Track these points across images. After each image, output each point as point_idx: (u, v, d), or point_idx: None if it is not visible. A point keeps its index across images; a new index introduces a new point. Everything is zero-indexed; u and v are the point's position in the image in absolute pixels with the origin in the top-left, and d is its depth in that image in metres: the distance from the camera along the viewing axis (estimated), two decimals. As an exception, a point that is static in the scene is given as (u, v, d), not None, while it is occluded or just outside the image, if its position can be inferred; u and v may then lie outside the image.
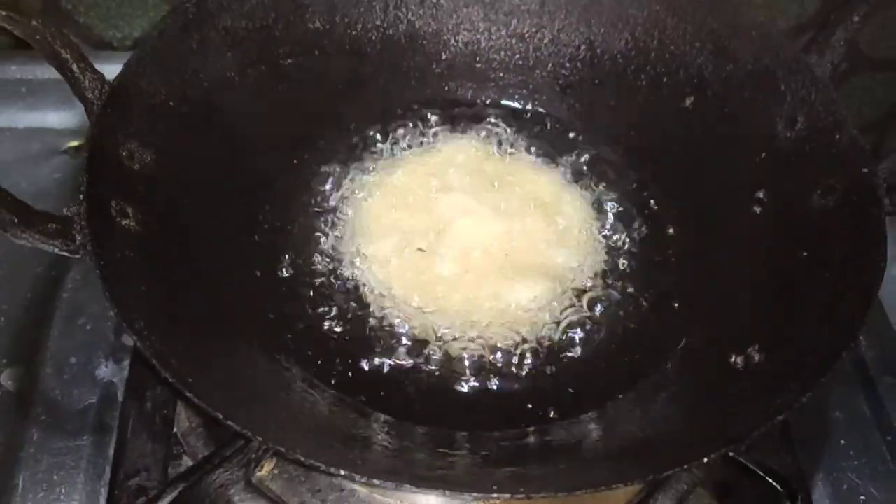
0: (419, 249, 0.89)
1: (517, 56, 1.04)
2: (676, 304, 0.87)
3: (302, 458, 0.60)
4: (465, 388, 0.81)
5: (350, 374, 0.80)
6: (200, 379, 0.64)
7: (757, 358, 0.76)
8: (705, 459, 0.63)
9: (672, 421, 0.74)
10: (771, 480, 0.78)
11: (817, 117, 0.86)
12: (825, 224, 0.81)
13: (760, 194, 0.89)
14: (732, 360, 0.77)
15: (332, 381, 0.79)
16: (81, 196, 0.71)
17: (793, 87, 0.88)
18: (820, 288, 0.76)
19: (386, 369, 0.81)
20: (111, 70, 0.81)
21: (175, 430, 0.86)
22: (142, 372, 0.86)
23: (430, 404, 0.79)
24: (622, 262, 0.92)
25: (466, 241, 0.91)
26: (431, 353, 0.83)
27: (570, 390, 0.81)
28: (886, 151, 0.89)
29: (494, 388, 0.81)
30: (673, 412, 0.76)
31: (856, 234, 0.77)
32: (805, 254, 0.80)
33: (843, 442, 0.88)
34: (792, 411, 0.67)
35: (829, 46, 0.89)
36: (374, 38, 1.02)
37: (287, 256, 0.89)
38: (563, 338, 0.85)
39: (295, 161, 0.96)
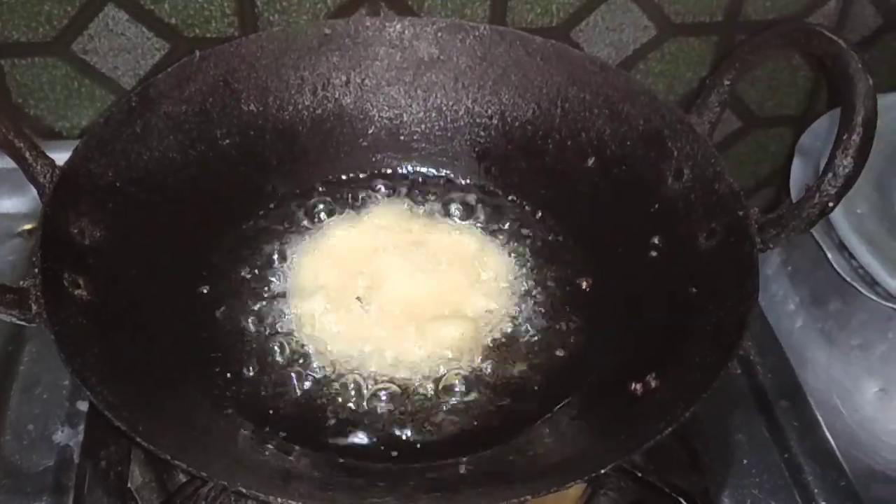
0: (357, 299, 0.98)
1: (436, 128, 1.14)
2: (586, 341, 0.97)
3: (244, 490, 0.67)
4: (395, 429, 0.89)
5: (281, 416, 0.89)
6: (150, 426, 0.71)
7: (653, 384, 0.85)
8: (603, 471, 0.71)
9: (581, 443, 0.83)
10: (680, 499, 0.87)
11: (700, 169, 0.97)
12: (709, 262, 0.92)
13: (656, 240, 0.99)
14: (632, 387, 0.86)
15: (268, 425, 0.87)
16: (36, 269, 0.78)
17: (678, 145, 0.99)
18: (706, 318, 0.87)
19: (319, 412, 0.89)
20: (61, 156, 0.90)
21: (129, 485, 0.92)
22: (96, 433, 0.93)
23: (359, 441, 0.88)
24: (536, 306, 1.01)
25: (394, 296, 1.01)
26: (361, 394, 0.91)
27: (490, 422, 0.90)
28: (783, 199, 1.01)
29: (420, 424, 0.89)
30: (582, 436, 0.85)
31: (734, 269, 0.88)
32: (694, 289, 0.90)
33: (745, 461, 0.97)
34: (682, 426, 0.76)
35: (707, 107, 1.01)
36: (304, 117, 1.12)
37: (228, 316, 0.97)
38: (482, 373, 0.94)
39: (234, 231, 1.05)
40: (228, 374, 0.92)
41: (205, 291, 0.99)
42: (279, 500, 0.67)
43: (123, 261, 0.91)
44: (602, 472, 0.72)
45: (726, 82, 1.00)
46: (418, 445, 0.88)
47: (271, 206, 1.10)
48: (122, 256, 0.91)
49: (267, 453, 0.83)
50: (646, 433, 0.76)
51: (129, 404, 0.74)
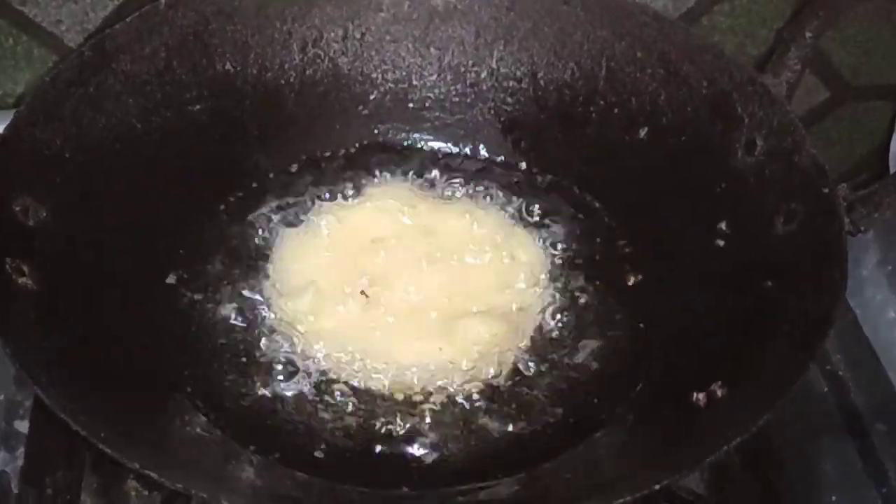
0: (362, 293, 1.05)
1: (453, 93, 1.21)
2: (637, 345, 1.03)
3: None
4: (415, 448, 0.95)
5: (267, 431, 0.95)
6: (114, 432, 0.77)
7: (720, 393, 0.90)
8: (657, 487, 0.77)
9: (631, 460, 0.88)
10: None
11: (776, 139, 1.03)
12: (788, 250, 0.98)
13: (723, 226, 1.05)
14: (695, 397, 0.91)
15: (253, 443, 0.93)
16: (-29, 255, 0.85)
17: (750, 110, 1.06)
18: (783, 316, 0.92)
19: (313, 430, 0.96)
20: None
21: (81, 514, 0.98)
22: (39, 457, 0.99)
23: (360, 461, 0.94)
24: (577, 304, 1.07)
25: (404, 292, 1.07)
26: (367, 408, 0.97)
27: (518, 444, 0.96)
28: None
29: (445, 444, 0.95)
30: (633, 452, 0.90)
31: (817, 257, 0.93)
32: (769, 282, 0.96)
33: (833, 497, 1.01)
34: (756, 454, 0.82)
35: (784, 65, 1.07)
36: (292, 79, 1.18)
37: (201, 314, 1.04)
38: (517, 383, 1.00)
39: (207, 214, 1.12)
40: (203, 381, 0.98)
41: (172, 282, 1.05)
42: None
43: (75, 245, 0.97)
44: (655, 488, 0.76)
45: (808, 35, 1.06)
46: (440, 466, 0.94)
47: (252, 185, 1.16)
48: (74, 240, 0.97)
49: (255, 474, 0.88)
50: (708, 446, 0.81)
51: (87, 408, 0.79)
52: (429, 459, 0.95)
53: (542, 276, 1.09)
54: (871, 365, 1.12)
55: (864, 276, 1.25)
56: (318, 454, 0.94)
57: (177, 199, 1.09)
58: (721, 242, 1.05)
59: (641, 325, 1.05)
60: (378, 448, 0.95)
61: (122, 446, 0.77)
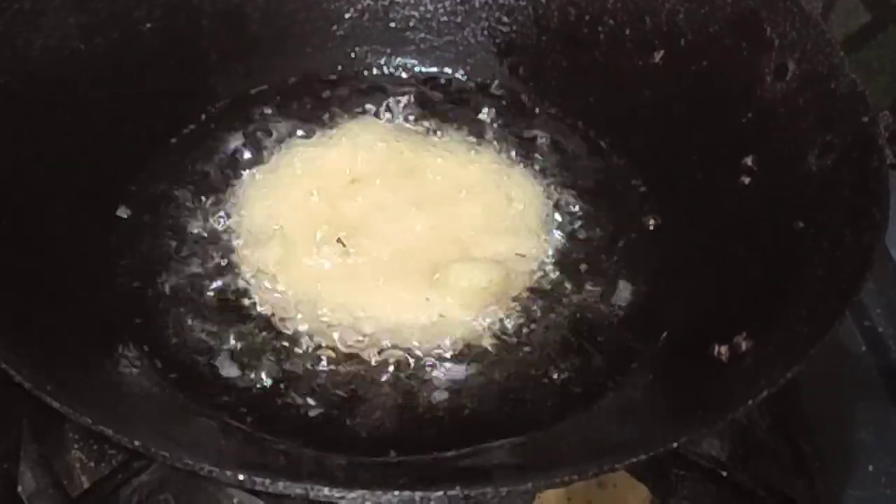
0: (338, 241, 1.06)
1: (441, 11, 1.23)
2: (652, 294, 1.05)
3: (192, 466, 0.75)
4: (400, 412, 0.97)
5: (237, 390, 0.97)
6: (62, 385, 0.79)
7: (744, 346, 0.93)
8: (675, 444, 0.79)
9: (649, 418, 0.91)
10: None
11: (810, 63, 1.04)
12: (823, 188, 0.99)
13: (749, 161, 1.07)
14: (716, 351, 0.94)
15: (226, 410, 0.95)
16: None
17: (780, 30, 1.07)
18: (816, 259, 0.94)
19: (289, 390, 0.98)
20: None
21: (20, 490, 1.00)
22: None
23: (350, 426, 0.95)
24: (584, 249, 1.10)
25: (386, 238, 1.08)
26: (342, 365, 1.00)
27: (524, 404, 0.98)
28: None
29: (454, 400, 0.98)
30: (644, 414, 0.93)
31: (856, 193, 0.95)
32: (801, 224, 0.98)
33: (871, 467, 1.04)
34: (786, 420, 0.84)
35: (821, -21, 1.09)
36: (255, -6, 1.18)
37: (154, 255, 1.06)
38: (518, 338, 1.02)
39: (160, 146, 1.14)
40: (155, 332, 1.00)
41: (125, 226, 1.07)
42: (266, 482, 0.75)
43: (12, 180, 0.98)
44: (671, 446, 0.79)
45: (847, -57, 1.07)
46: (429, 430, 0.96)
47: (210, 116, 1.18)
48: (11, 175, 0.98)
49: (227, 436, 0.91)
50: (730, 402, 0.83)
51: (32, 359, 0.81)
52: (416, 423, 0.96)
53: (543, 220, 1.11)
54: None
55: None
56: (290, 417, 0.96)
57: (125, 128, 1.11)
58: (747, 180, 1.07)
59: (656, 273, 1.07)
60: (356, 413, 0.96)
61: (72, 400, 0.78)
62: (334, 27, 1.21)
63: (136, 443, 0.75)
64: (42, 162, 1.02)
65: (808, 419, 1.07)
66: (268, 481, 0.72)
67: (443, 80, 1.22)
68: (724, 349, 0.94)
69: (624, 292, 1.07)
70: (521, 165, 1.16)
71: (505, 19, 1.20)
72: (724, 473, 0.94)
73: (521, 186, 1.14)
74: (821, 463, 1.05)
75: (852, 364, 1.11)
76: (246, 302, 1.04)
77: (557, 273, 1.08)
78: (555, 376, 1.00)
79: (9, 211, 0.96)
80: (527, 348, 1.02)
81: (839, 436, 1.06)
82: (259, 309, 1.03)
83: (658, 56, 1.15)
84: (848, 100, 1.00)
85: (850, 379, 1.10)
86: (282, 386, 0.97)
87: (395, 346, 1.00)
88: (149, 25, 1.13)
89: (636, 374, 1.00)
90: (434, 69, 1.23)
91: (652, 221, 1.12)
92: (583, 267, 1.08)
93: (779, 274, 0.97)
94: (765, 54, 1.08)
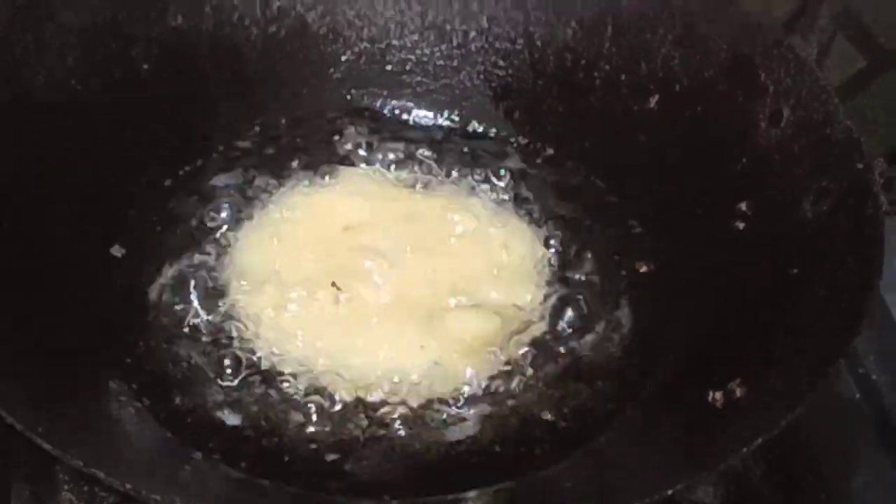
0: (333, 286, 1.06)
1: (437, 54, 1.23)
2: (646, 341, 1.05)
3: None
4: (393, 457, 0.97)
5: (227, 434, 0.97)
6: (53, 426, 0.79)
7: (739, 392, 0.93)
8: (668, 492, 0.79)
9: (643, 463, 0.91)
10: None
11: (805, 109, 1.05)
12: (818, 235, 0.99)
13: (743, 207, 1.07)
14: (711, 397, 0.94)
15: (213, 445, 0.95)
16: None
17: (775, 76, 1.07)
18: (812, 307, 0.94)
19: (282, 436, 0.97)
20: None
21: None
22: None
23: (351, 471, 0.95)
24: (579, 297, 1.09)
25: (380, 284, 1.08)
26: (343, 413, 0.99)
27: (517, 447, 0.98)
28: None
29: (428, 451, 0.97)
30: (637, 459, 0.93)
31: (851, 240, 0.95)
32: (796, 271, 0.98)
33: (870, 515, 1.04)
34: (779, 467, 0.83)
35: (815, 25, 1.09)
36: (253, 36, 1.20)
37: (146, 299, 1.06)
38: (512, 385, 1.02)
39: (154, 187, 1.14)
40: (146, 373, 1.00)
41: (117, 271, 1.07)
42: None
43: (8, 214, 0.98)
44: (665, 494, 0.79)
45: (841, -9, 1.08)
46: (423, 474, 0.95)
47: (207, 157, 1.18)
48: (6, 209, 0.98)
49: (220, 480, 0.91)
50: (724, 450, 0.83)
51: (21, 398, 0.80)
52: (412, 468, 0.96)
53: (540, 268, 1.11)
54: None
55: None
56: (284, 461, 0.96)
57: (121, 168, 1.11)
58: (741, 225, 1.07)
59: (651, 319, 1.07)
60: (348, 456, 0.96)
61: (63, 442, 0.78)
62: (331, 69, 1.22)
63: (128, 486, 0.75)
64: (36, 196, 1.02)
65: (803, 467, 1.06)
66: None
67: (439, 124, 1.23)
68: (718, 395, 0.94)
69: (618, 338, 1.06)
70: (517, 211, 1.16)
71: (501, 63, 1.21)
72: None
73: (516, 233, 1.14)
74: (815, 511, 1.05)
75: (846, 412, 1.11)
76: (238, 345, 1.03)
77: (552, 320, 1.07)
78: (549, 420, 0.99)
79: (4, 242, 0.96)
80: (521, 396, 1.01)
81: (833, 483, 1.06)
82: (251, 353, 1.03)
83: (653, 101, 1.16)
84: (843, 146, 1.01)
85: (844, 426, 1.10)
86: (274, 430, 0.97)
87: (389, 393, 1.00)
88: (146, 65, 1.14)
89: (630, 419, 0.99)
90: (430, 112, 1.24)
91: (645, 268, 1.12)
92: (577, 314, 1.08)
93: (773, 320, 0.97)
94: (759, 100, 1.08)
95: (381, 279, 1.09)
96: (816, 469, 1.07)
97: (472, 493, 0.94)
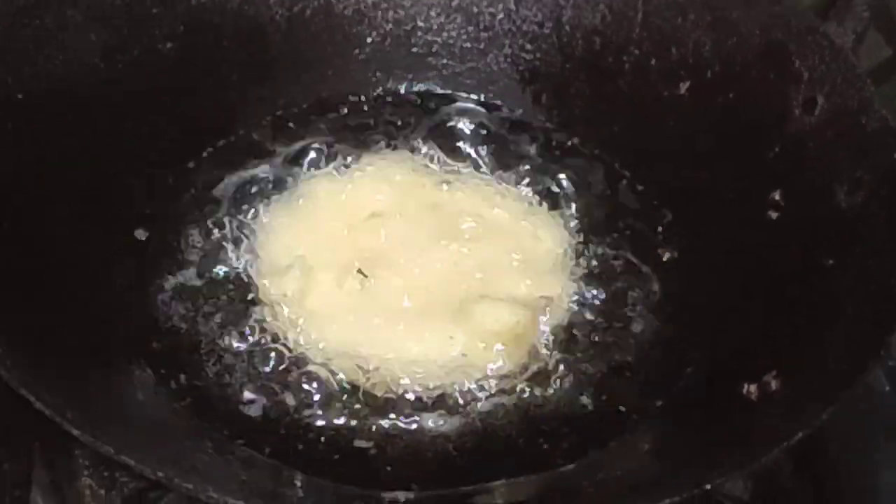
0: (358, 272, 1.05)
1: (464, 37, 1.22)
2: (678, 331, 1.04)
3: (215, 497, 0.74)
4: (420, 446, 0.96)
5: (251, 421, 0.96)
6: (83, 412, 0.77)
7: (774, 385, 0.91)
8: (698, 490, 0.78)
9: (674, 460, 0.90)
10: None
11: (840, 97, 1.03)
12: (852, 224, 0.98)
13: (776, 196, 1.06)
14: (745, 389, 0.93)
15: (241, 435, 0.94)
16: None
17: (809, 63, 1.06)
18: (846, 298, 0.93)
19: (305, 423, 0.96)
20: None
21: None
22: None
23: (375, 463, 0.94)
24: (608, 287, 1.08)
25: (404, 275, 1.07)
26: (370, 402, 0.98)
27: (546, 440, 0.97)
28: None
29: (454, 441, 0.96)
30: (670, 454, 0.92)
31: (886, 231, 0.94)
32: (830, 261, 0.97)
33: (899, 512, 1.03)
34: (808, 459, 0.83)
35: (850, 13, 1.08)
36: (277, 16, 1.19)
37: (175, 282, 1.05)
38: (541, 377, 1.01)
39: (177, 172, 1.12)
40: (173, 359, 0.99)
41: (141, 249, 1.06)
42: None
43: (27, 198, 0.97)
44: (696, 491, 0.78)
45: (880, -25, 1.06)
46: (448, 465, 0.95)
47: (230, 140, 1.17)
48: (25, 192, 0.97)
49: (247, 467, 0.90)
50: (761, 445, 0.82)
51: (49, 384, 0.79)
52: (437, 458, 0.95)
53: (568, 259, 1.10)
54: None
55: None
56: (312, 451, 0.95)
57: (143, 149, 1.10)
58: (774, 215, 1.06)
59: (685, 310, 1.06)
60: (372, 446, 0.95)
61: (93, 428, 0.76)
62: (356, 51, 1.21)
63: (160, 474, 0.74)
64: (58, 178, 1.01)
65: (832, 460, 1.05)
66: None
67: (466, 107, 1.21)
68: (753, 388, 0.93)
69: (648, 328, 1.06)
70: (546, 200, 1.15)
71: (529, 46, 1.20)
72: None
73: (544, 224, 1.13)
74: (845, 504, 1.03)
75: (876, 404, 1.10)
76: (263, 331, 1.02)
77: (581, 311, 1.06)
78: (578, 413, 0.99)
79: (27, 227, 0.96)
80: (549, 388, 1.00)
81: (863, 477, 1.04)
82: (276, 339, 1.02)
83: (684, 87, 1.14)
84: (878, 135, 0.99)
85: (874, 419, 1.08)
86: (297, 417, 0.96)
87: (415, 383, 0.99)
88: (169, 45, 1.13)
89: (663, 412, 0.99)
90: (458, 95, 1.23)
91: (676, 255, 1.11)
92: (607, 305, 1.07)
93: (808, 311, 0.96)
94: (793, 87, 1.07)
95: (408, 268, 1.07)
96: (846, 462, 1.06)
97: (498, 483, 0.92)
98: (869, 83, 1.02)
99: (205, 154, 1.15)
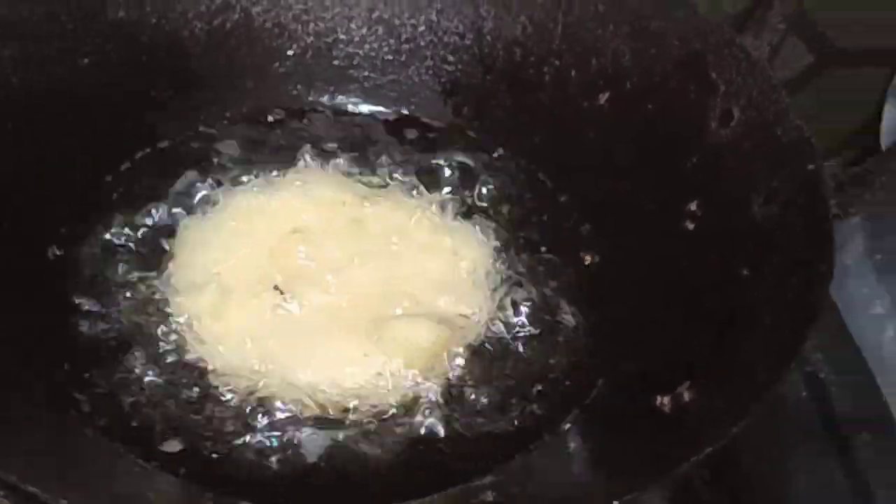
0: (276, 289, 1.04)
1: (385, 49, 1.22)
2: (596, 343, 1.05)
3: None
4: (324, 467, 0.95)
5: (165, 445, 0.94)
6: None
7: (687, 396, 0.92)
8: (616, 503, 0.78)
9: (583, 475, 0.90)
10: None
11: (755, 109, 1.04)
12: (768, 236, 0.99)
13: (693, 206, 1.07)
14: (658, 401, 0.93)
15: (154, 458, 0.93)
16: None
17: (726, 76, 1.07)
18: (761, 309, 0.94)
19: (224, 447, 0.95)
20: None
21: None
22: None
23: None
24: (526, 300, 1.08)
25: (322, 292, 1.06)
26: (279, 424, 0.97)
27: (459, 455, 0.97)
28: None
29: (390, 456, 0.96)
30: (585, 465, 0.92)
31: (800, 243, 0.95)
32: (745, 271, 0.98)
33: (813, 517, 1.04)
34: (723, 470, 0.83)
35: (766, 25, 1.09)
36: (197, 30, 1.18)
37: (85, 306, 1.03)
38: (458, 391, 1.01)
39: (93, 185, 1.11)
40: (87, 380, 0.97)
41: (51, 273, 1.04)
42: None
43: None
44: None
45: (793, -10, 1.07)
46: (358, 485, 0.94)
47: (147, 155, 1.16)
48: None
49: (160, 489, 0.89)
50: (673, 458, 0.82)
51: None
52: (350, 478, 0.95)
53: (488, 274, 1.10)
54: (855, 366, 1.14)
55: (849, 265, 1.27)
56: (226, 470, 0.94)
57: (59, 165, 1.08)
58: (691, 225, 1.07)
59: (603, 322, 1.06)
60: (285, 466, 0.95)
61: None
62: (276, 64, 1.20)
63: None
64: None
65: (749, 467, 1.06)
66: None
67: (386, 120, 1.22)
68: (666, 399, 0.93)
69: (565, 341, 1.06)
70: (468, 215, 1.15)
71: (450, 58, 1.20)
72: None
73: (466, 239, 1.13)
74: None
75: (793, 410, 1.11)
76: (176, 350, 1.01)
77: (499, 327, 1.06)
78: (490, 429, 0.98)
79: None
80: (462, 405, 1.00)
81: (779, 486, 1.06)
82: (190, 356, 1.01)
83: (603, 98, 1.15)
84: (794, 147, 1.00)
85: (790, 426, 1.10)
86: (209, 435, 0.96)
87: (330, 402, 0.98)
88: (87, 60, 1.11)
89: (575, 426, 0.99)
90: (378, 108, 1.22)
91: (595, 267, 1.11)
92: (526, 319, 1.07)
93: (723, 322, 0.97)
94: (710, 99, 1.08)
95: (328, 285, 1.07)
96: (762, 471, 1.07)
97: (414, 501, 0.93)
98: (784, 95, 1.03)
99: (122, 168, 1.14)
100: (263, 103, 1.20)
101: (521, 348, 1.05)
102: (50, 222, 1.06)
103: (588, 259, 1.12)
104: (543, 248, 1.13)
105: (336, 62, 1.21)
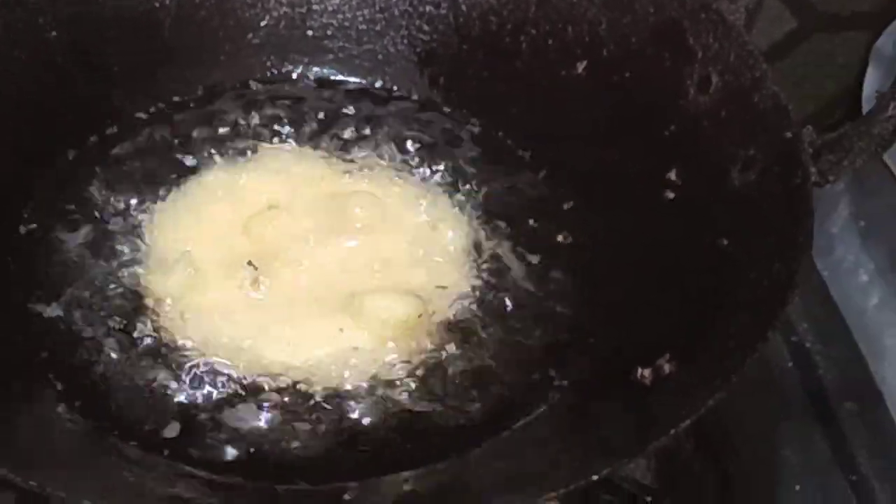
0: (249, 264, 1.03)
1: (359, 18, 1.20)
2: (575, 317, 1.04)
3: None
4: (328, 437, 0.95)
5: (130, 420, 0.94)
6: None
7: (668, 368, 0.91)
8: (595, 477, 0.77)
9: (566, 448, 0.89)
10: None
11: (733, 75, 1.03)
12: (746, 204, 0.98)
13: (672, 175, 1.05)
14: (639, 374, 0.92)
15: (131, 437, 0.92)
16: None
17: (703, 41, 1.06)
18: (740, 279, 0.93)
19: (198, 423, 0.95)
20: None
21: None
22: None
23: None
24: (503, 274, 1.08)
25: (299, 267, 1.06)
26: (256, 399, 0.96)
27: (435, 432, 0.96)
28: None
29: (367, 431, 0.95)
30: (566, 441, 0.91)
31: (779, 211, 0.94)
32: (724, 241, 0.97)
33: (798, 486, 1.03)
34: (711, 442, 0.82)
35: (744, -11, 1.07)
36: (167, 1, 1.16)
37: (59, 288, 1.02)
38: (436, 366, 1.00)
39: (58, 165, 1.10)
40: (61, 363, 0.97)
41: (23, 233, 1.04)
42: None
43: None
44: (593, 478, 0.77)
45: (770, -48, 1.06)
46: (334, 460, 0.93)
47: (114, 130, 1.14)
48: None
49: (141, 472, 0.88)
50: (653, 430, 0.81)
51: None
52: (326, 453, 0.94)
53: (466, 248, 1.09)
54: (840, 336, 1.14)
55: (834, 233, 1.26)
56: (200, 452, 0.93)
57: (22, 140, 1.07)
58: (670, 195, 1.06)
59: (582, 295, 1.05)
60: (263, 443, 0.94)
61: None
62: (248, 34, 1.19)
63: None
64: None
65: (735, 438, 1.06)
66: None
67: (361, 91, 1.21)
68: (647, 372, 0.92)
69: (546, 316, 1.05)
70: (445, 188, 1.13)
71: (426, 27, 1.18)
72: (649, 499, 0.92)
73: (443, 212, 1.12)
74: (747, 484, 1.04)
75: (778, 380, 1.10)
76: (150, 329, 1.00)
77: (477, 304, 1.05)
78: (468, 405, 0.97)
79: None
80: (442, 379, 0.99)
81: (765, 455, 1.05)
82: (164, 338, 0.99)
83: (581, 67, 1.14)
84: (771, 114, 0.99)
85: (775, 396, 1.09)
86: (187, 413, 0.94)
87: (305, 378, 0.97)
88: (54, 33, 1.10)
89: (555, 402, 0.98)
90: (353, 78, 1.21)
91: (574, 240, 1.10)
92: (503, 293, 1.06)
93: (703, 293, 0.96)
94: (688, 66, 1.06)
95: (302, 261, 1.06)
96: (748, 440, 1.06)
97: (387, 477, 0.92)
98: (761, 60, 1.02)
99: (89, 143, 1.12)
100: (237, 75, 1.19)
101: (498, 325, 1.03)
102: (16, 200, 1.05)
103: (566, 233, 1.10)
104: (522, 222, 1.11)
105: (310, 32, 1.20)
